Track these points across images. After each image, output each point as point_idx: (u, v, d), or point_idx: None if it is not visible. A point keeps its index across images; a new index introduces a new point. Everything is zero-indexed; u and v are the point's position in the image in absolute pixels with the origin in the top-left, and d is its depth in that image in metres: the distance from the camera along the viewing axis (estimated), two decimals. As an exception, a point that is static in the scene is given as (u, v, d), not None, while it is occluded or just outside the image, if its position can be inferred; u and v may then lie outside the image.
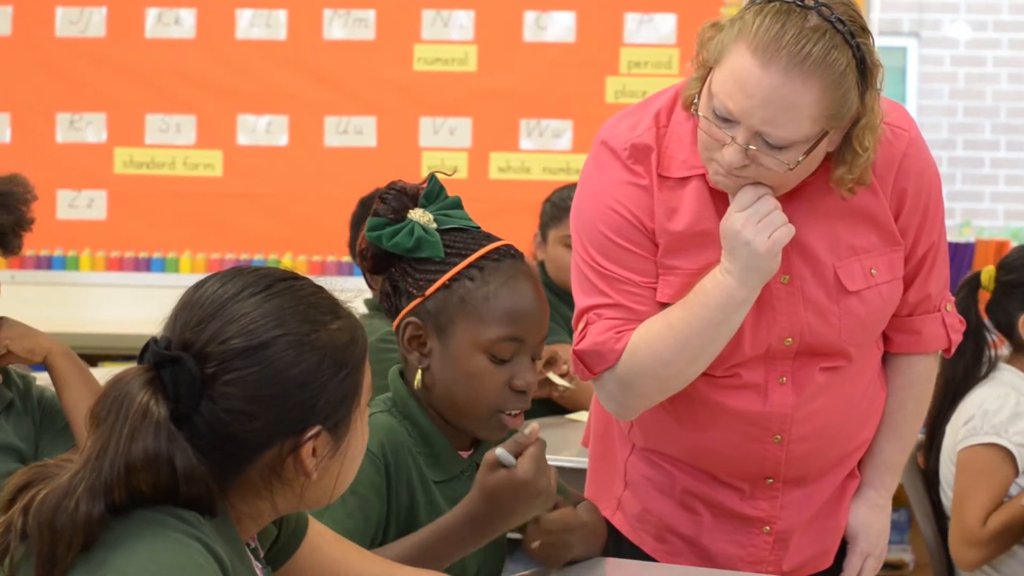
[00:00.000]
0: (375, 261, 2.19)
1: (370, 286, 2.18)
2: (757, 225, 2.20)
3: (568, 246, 4.19)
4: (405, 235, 2.14)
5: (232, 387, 1.58)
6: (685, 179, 2.31)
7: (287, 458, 1.62)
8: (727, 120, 2.16)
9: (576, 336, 2.35)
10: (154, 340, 1.59)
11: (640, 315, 2.31)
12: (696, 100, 2.22)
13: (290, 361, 1.59)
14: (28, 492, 1.53)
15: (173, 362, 1.57)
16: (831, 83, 2.11)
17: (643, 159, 2.31)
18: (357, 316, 1.73)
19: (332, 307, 1.67)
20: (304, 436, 1.61)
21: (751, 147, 2.15)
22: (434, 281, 2.14)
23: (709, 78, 2.19)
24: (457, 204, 2.21)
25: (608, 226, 2.32)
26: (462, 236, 2.17)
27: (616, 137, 2.34)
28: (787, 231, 2.22)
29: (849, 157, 2.22)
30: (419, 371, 2.17)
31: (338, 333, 1.64)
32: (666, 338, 2.27)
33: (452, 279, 2.13)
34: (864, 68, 2.14)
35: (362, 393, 1.68)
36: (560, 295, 4.16)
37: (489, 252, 2.16)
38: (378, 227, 2.16)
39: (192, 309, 1.62)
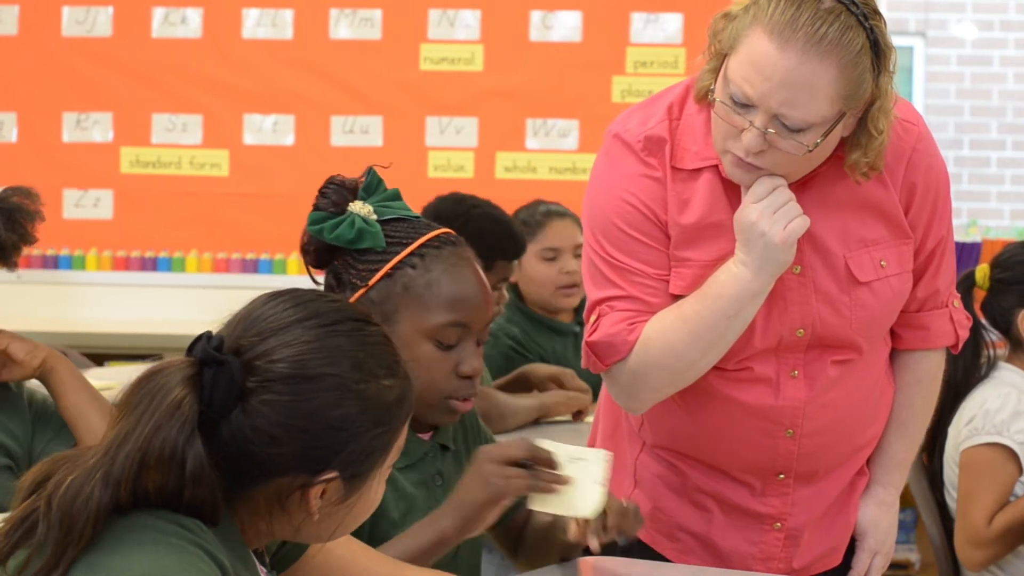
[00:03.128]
0: (318, 255, 2.20)
1: (314, 282, 2.17)
2: (772, 216, 2.21)
3: (547, 259, 4.12)
4: (346, 227, 2.15)
5: (267, 407, 1.57)
6: (698, 171, 2.31)
7: (295, 492, 1.61)
8: (745, 105, 2.17)
9: (588, 328, 2.35)
10: (208, 336, 1.59)
11: (653, 307, 2.31)
12: (712, 89, 2.23)
13: (330, 402, 1.58)
14: (50, 481, 1.53)
15: (219, 364, 1.56)
16: (847, 63, 2.12)
17: (657, 151, 2.32)
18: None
19: (391, 363, 1.65)
20: (319, 477, 1.60)
21: (770, 131, 2.16)
22: (376, 271, 2.15)
23: (724, 66, 2.20)
24: (396, 196, 2.22)
25: (622, 218, 2.32)
26: (402, 225, 2.19)
27: (629, 131, 2.35)
28: (802, 222, 2.23)
29: (864, 141, 2.23)
30: None
31: (387, 390, 1.63)
32: (679, 330, 2.27)
33: (394, 268, 2.15)
34: (878, 50, 2.16)
35: (390, 454, 1.67)
36: (537, 321, 4.10)
37: (429, 239, 2.17)
38: (319, 220, 2.17)
39: (256, 318, 1.61)
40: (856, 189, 2.31)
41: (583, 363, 2.38)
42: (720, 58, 2.22)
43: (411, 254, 2.15)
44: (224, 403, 1.56)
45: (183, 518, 1.54)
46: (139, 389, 1.55)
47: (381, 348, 1.65)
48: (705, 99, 2.27)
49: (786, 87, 2.13)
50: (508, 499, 2.08)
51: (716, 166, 2.29)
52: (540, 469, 2.08)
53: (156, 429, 1.52)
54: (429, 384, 2.15)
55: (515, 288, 4.14)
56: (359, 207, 2.18)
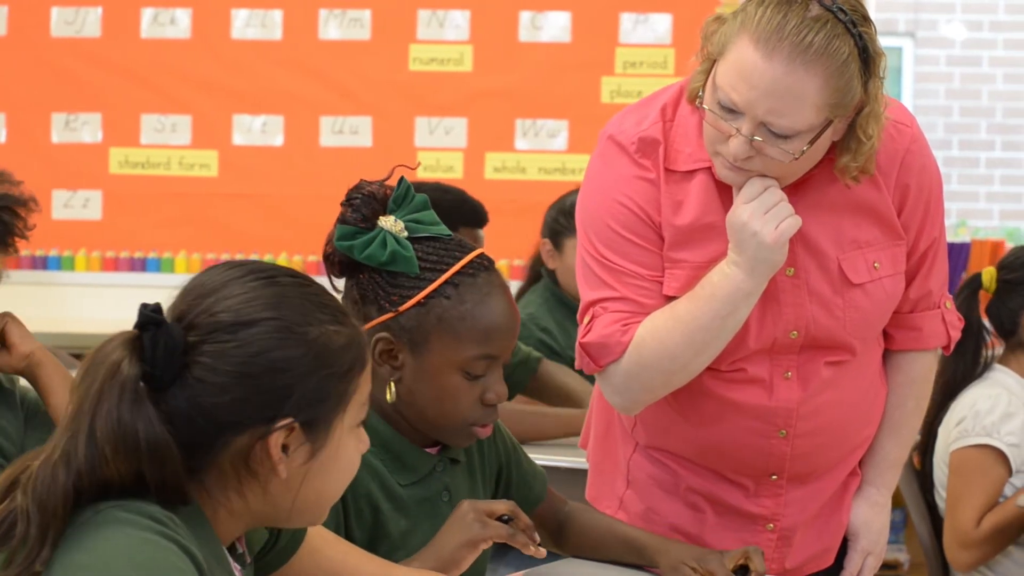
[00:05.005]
0: (343, 267, 2.12)
1: (334, 287, 2.11)
2: (764, 216, 2.21)
3: None
4: (378, 247, 2.07)
5: (210, 358, 1.56)
6: (691, 172, 2.32)
7: (255, 445, 1.58)
8: (732, 112, 2.17)
9: (582, 329, 2.35)
10: (144, 304, 1.58)
11: (646, 308, 2.31)
12: (701, 93, 2.23)
13: (271, 344, 1.57)
14: (23, 475, 1.53)
15: (156, 325, 1.55)
16: (834, 72, 2.12)
17: (651, 153, 2.32)
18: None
19: (336, 312, 1.64)
20: (274, 425, 1.58)
21: (756, 138, 2.16)
22: (408, 297, 2.07)
23: (713, 71, 2.21)
24: (425, 204, 2.14)
25: (615, 220, 2.32)
26: (435, 247, 2.10)
27: (623, 132, 2.35)
28: (793, 222, 2.23)
29: (854, 145, 2.23)
30: (390, 383, 2.11)
31: (333, 335, 1.62)
32: (672, 331, 2.27)
33: (428, 296, 2.07)
34: (867, 57, 2.16)
35: (350, 403, 1.64)
36: (572, 309, 4.08)
37: (464, 267, 2.10)
38: (348, 236, 2.08)
39: (195, 286, 1.62)
40: (849, 191, 2.32)
41: (576, 364, 2.38)
42: (711, 61, 2.23)
43: (445, 282, 2.08)
44: (169, 362, 1.54)
45: (155, 509, 1.52)
46: (87, 366, 1.54)
47: (324, 298, 1.64)
48: (696, 101, 2.27)
49: (772, 96, 2.13)
50: (486, 543, 2.07)
51: (709, 168, 2.30)
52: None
53: (99, 397, 1.51)
54: (454, 412, 2.12)
55: (553, 275, 4.09)
56: (390, 223, 2.09)
